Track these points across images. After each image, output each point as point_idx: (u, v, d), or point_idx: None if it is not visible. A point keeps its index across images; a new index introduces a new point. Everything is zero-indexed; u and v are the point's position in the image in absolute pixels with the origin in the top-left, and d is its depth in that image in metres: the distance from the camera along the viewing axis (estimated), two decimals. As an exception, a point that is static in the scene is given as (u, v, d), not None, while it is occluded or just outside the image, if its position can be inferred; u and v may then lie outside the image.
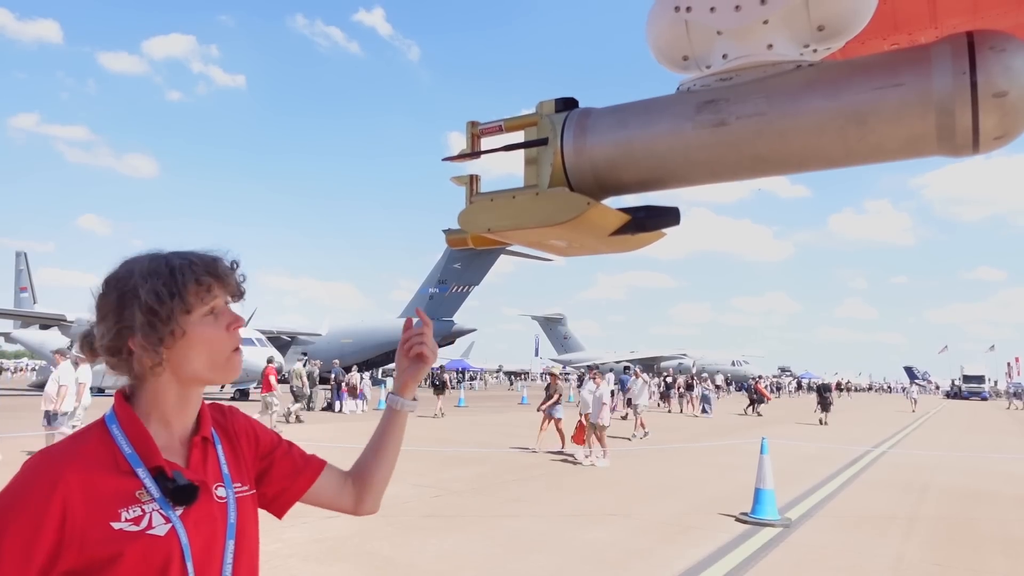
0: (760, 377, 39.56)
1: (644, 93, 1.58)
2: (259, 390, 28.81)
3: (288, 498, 1.48)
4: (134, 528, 1.16)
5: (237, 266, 1.34)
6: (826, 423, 25.12)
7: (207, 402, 1.43)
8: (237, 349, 1.30)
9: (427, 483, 10.00)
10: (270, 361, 20.01)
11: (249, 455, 1.44)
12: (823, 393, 26.45)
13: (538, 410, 14.93)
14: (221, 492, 1.31)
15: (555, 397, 14.56)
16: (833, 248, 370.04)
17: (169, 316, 1.22)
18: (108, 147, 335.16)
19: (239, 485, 1.36)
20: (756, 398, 30.79)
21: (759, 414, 29.64)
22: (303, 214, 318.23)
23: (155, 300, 1.21)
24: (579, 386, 28.95)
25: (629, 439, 17.54)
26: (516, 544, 6.90)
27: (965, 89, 1.17)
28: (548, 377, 17.69)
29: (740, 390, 42.55)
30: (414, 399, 1.59)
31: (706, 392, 30.93)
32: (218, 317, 1.29)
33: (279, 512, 1.50)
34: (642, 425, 18.48)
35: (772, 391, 59.39)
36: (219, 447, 1.37)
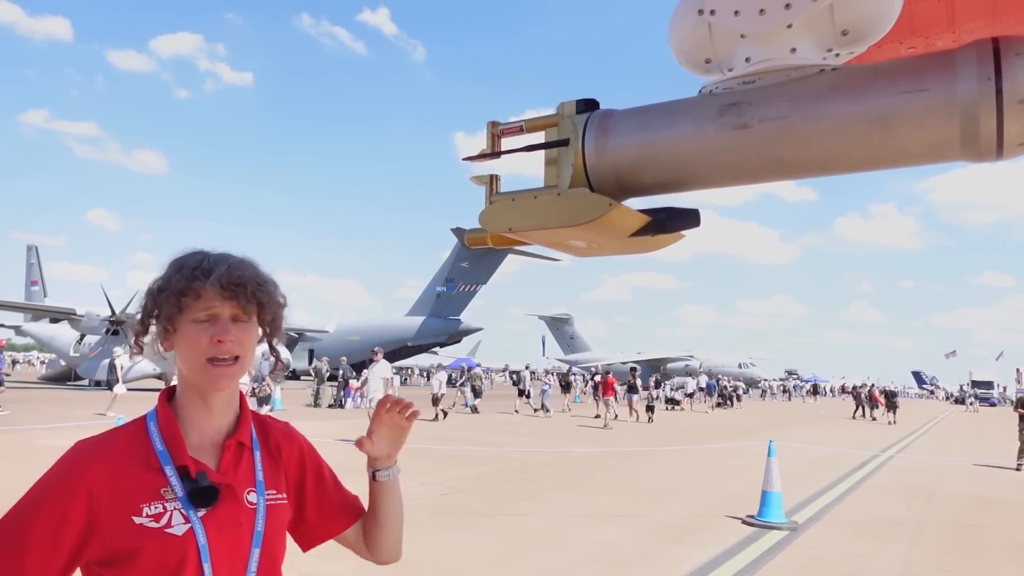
0: (873, 384, 40.98)
1: (656, 98, 1.58)
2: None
3: (318, 537, 1.50)
4: (153, 524, 1.18)
5: (254, 280, 1.28)
6: (894, 422, 30.18)
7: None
8: (218, 361, 1.25)
9: (434, 481, 10.01)
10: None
11: (292, 467, 1.43)
12: (891, 398, 32.36)
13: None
14: (252, 498, 1.30)
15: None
16: (839, 252, 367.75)
17: (161, 309, 1.26)
18: (117, 143, 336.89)
19: (273, 492, 1.34)
20: (871, 404, 34.43)
21: (874, 418, 33.03)
22: (305, 212, 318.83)
23: (156, 291, 1.28)
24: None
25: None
26: (522, 543, 6.90)
27: (990, 95, 1.18)
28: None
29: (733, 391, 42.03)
30: (396, 463, 1.54)
31: (643, 394, 25.27)
32: (213, 325, 1.25)
33: (305, 546, 1.50)
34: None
35: (766, 394, 59.17)
36: (257, 453, 1.36)
